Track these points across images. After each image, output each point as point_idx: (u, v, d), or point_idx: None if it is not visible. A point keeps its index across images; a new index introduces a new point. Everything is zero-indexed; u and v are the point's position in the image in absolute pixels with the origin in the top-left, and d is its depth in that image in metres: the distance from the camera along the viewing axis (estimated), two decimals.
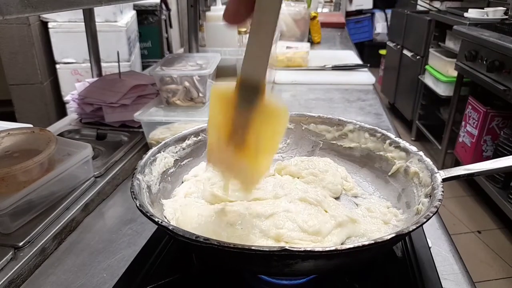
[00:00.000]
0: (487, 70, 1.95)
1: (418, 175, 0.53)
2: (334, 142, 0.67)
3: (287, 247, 0.35)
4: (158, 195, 0.54)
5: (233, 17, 0.32)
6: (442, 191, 0.46)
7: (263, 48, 0.32)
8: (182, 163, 0.62)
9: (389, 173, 0.59)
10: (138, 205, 0.43)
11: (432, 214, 0.41)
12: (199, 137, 0.64)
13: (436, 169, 0.51)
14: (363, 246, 0.36)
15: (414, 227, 0.39)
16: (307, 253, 0.36)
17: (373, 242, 0.37)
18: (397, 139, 0.60)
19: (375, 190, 0.61)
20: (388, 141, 0.61)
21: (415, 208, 0.49)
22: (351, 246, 0.36)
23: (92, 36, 1.09)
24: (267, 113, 0.37)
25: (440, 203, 0.44)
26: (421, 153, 0.55)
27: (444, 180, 0.49)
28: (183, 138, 0.62)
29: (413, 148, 0.57)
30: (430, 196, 0.47)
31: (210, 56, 0.99)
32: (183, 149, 0.62)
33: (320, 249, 0.35)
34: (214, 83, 0.40)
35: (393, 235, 0.38)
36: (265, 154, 0.39)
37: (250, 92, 0.35)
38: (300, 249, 0.35)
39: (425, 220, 0.41)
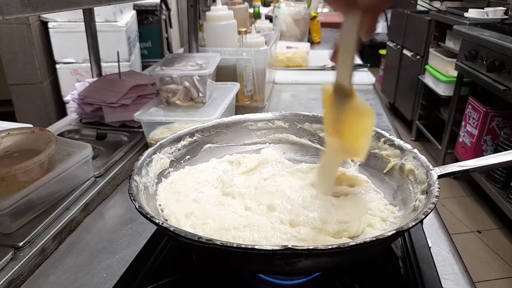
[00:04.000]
0: (487, 70, 1.95)
1: (413, 172, 0.53)
2: None
3: (290, 246, 0.35)
4: (156, 197, 0.54)
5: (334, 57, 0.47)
6: (439, 188, 0.46)
7: (348, 65, 0.47)
8: (178, 164, 0.62)
9: (384, 171, 0.59)
10: (137, 206, 0.43)
11: (430, 211, 0.42)
12: (194, 138, 0.64)
13: (431, 166, 0.51)
14: (365, 243, 0.36)
15: (413, 223, 0.40)
16: (310, 251, 0.36)
17: (374, 239, 0.37)
18: (391, 137, 0.60)
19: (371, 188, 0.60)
20: (382, 139, 0.61)
21: (412, 205, 0.49)
22: (353, 243, 0.36)
23: (92, 36, 1.09)
24: (356, 112, 0.48)
25: (437, 199, 0.44)
26: (415, 150, 0.55)
27: (439, 176, 0.49)
28: (178, 139, 0.62)
29: (408, 146, 0.57)
30: (427, 193, 0.47)
31: (210, 56, 0.99)
32: (179, 149, 0.62)
33: (323, 247, 0.36)
34: (323, 84, 0.52)
35: (394, 231, 0.38)
36: (359, 143, 0.51)
37: (342, 94, 0.48)
38: (303, 247, 0.35)
39: (423, 216, 0.41)
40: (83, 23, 1.07)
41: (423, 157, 0.53)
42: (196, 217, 0.49)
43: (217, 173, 0.61)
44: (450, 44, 2.61)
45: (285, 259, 0.38)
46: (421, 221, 0.41)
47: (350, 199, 0.54)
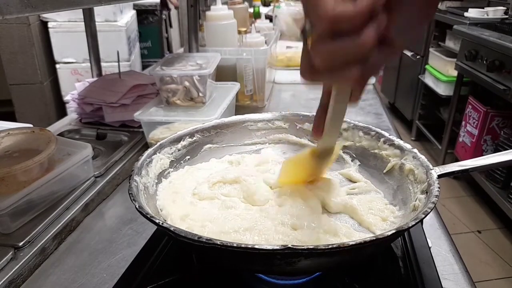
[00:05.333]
0: (487, 69, 1.95)
1: (413, 172, 0.53)
2: None
3: (290, 246, 0.35)
4: (155, 197, 0.54)
5: (316, 129, 0.47)
6: (439, 187, 0.46)
7: (338, 130, 0.48)
8: (178, 164, 0.62)
9: (384, 171, 0.59)
10: (137, 206, 0.43)
11: (430, 210, 0.42)
12: (194, 138, 0.64)
13: (431, 166, 0.51)
14: (365, 242, 0.37)
15: (413, 222, 0.40)
16: (310, 251, 0.36)
17: (374, 238, 0.37)
18: (391, 137, 0.60)
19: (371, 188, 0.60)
20: (382, 139, 0.61)
21: (412, 205, 0.49)
22: (353, 243, 0.36)
23: (92, 36, 1.09)
24: (332, 155, 0.52)
25: (437, 199, 0.44)
26: (415, 150, 0.55)
27: (439, 176, 0.49)
28: (178, 139, 0.62)
29: (408, 146, 0.57)
30: (427, 193, 0.47)
31: (210, 56, 0.99)
32: (179, 150, 0.62)
33: (323, 247, 0.36)
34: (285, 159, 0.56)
35: (394, 231, 0.38)
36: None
37: (326, 155, 0.51)
38: (303, 247, 0.35)
39: (423, 215, 0.41)
40: (83, 23, 1.07)
41: (422, 157, 0.53)
42: (192, 219, 0.49)
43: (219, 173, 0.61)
44: (450, 44, 2.61)
45: (285, 259, 0.38)
46: (421, 221, 0.41)
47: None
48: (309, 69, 0.34)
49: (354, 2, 0.27)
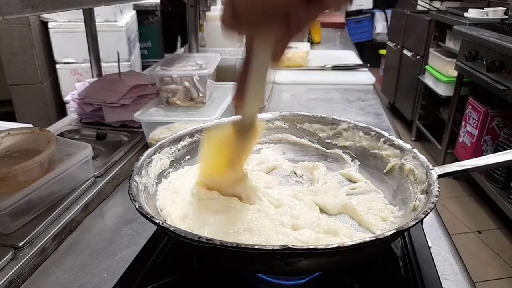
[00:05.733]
0: (487, 70, 1.95)
1: (413, 172, 0.54)
2: (328, 141, 0.68)
3: (290, 246, 0.35)
4: (155, 197, 0.54)
5: (237, 96, 0.43)
6: (439, 187, 0.46)
7: (260, 95, 0.45)
8: (178, 164, 0.62)
9: (384, 171, 0.59)
10: (137, 207, 0.43)
11: (430, 210, 0.42)
12: (194, 138, 0.64)
13: (431, 166, 0.51)
14: (365, 242, 0.37)
15: (413, 223, 0.40)
16: (310, 251, 0.36)
17: (374, 238, 0.37)
18: (391, 137, 0.60)
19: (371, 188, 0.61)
20: (382, 139, 0.61)
21: (412, 205, 0.49)
22: (353, 243, 0.36)
23: (92, 36, 1.09)
24: (255, 132, 0.48)
25: (437, 199, 0.44)
26: (415, 150, 0.55)
27: (439, 176, 0.49)
28: (178, 139, 0.62)
29: (408, 146, 0.57)
30: (427, 193, 0.47)
31: (210, 56, 0.99)
32: (179, 150, 0.62)
33: (323, 247, 0.36)
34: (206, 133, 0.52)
35: (394, 231, 0.38)
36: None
37: (248, 127, 0.47)
38: (303, 247, 0.35)
39: (423, 216, 0.41)
40: (83, 23, 1.07)
41: (422, 157, 0.53)
42: (192, 219, 0.49)
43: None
44: (450, 44, 2.61)
45: (285, 259, 0.37)
46: (421, 221, 0.41)
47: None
48: (231, 16, 0.33)
49: None
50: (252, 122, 0.46)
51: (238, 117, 0.46)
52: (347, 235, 0.48)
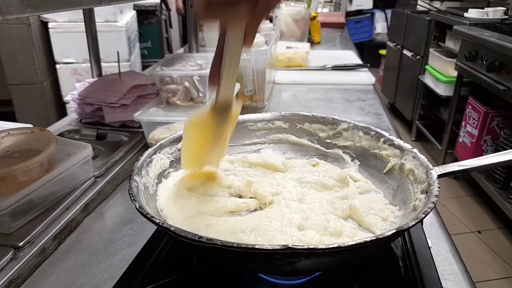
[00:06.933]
0: (487, 70, 1.95)
1: (413, 172, 0.54)
2: (328, 141, 0.68)
3: (290, 245, 0.35)
4: (156, 197, 0.54)
5: (212, 78, 0.46)
6: (439, 187, 0.46)
7: (234, 78, 0.46)
8: (178, 164, 0.61)
9: (384, 171, 0.59)
10: (137, 207, 0.43)
11: (430, 210, 0.42)
12: None
13: (431, 166, 0.51)
14: (365, 242, 0.37)
15: (413, 222, 0.40)
16: (310, 251, 0.36)
17: (374, 238, 0.37)
18: (391, 137, 0.60)
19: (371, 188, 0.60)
20: (382, 139, 0.61)
21: (412, 205, 0.50)
22: (353, 243, 0.36)
23: (92, 36, 1.09)
24: (230, 115, 0.51)
25: (437, 198, 0.44)
26: (415, 150, 0.55)
27: (439, 176, 0.49)
28: (178, 139, 0.62)
29: (408, 146, 0.57)
30: (427, 192, 0.47)
31: (210, 56, 0.99)
32: (179, 150, 0.61)
33: (323, 247, 0.36)
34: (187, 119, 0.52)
35: (394, 231, 0.38)
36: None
37: (225, 110, 0.49)
38: (303, 247, 0.35)
39: (423, 215, 0.41)
40: (83, 23, 1.07)
41: (422, 157, 0.53)
42: (196, 220, 0.49)
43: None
44: (450, 44, 2.61)
45: (286, 259, 0.37)
46: (421, 221, 0.41)
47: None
48: (204, 5, 0.36)
49: None
50: (226, 105, 0.49)
51: (213, 97, 0.48)
52: (351, 235, 0.48)
